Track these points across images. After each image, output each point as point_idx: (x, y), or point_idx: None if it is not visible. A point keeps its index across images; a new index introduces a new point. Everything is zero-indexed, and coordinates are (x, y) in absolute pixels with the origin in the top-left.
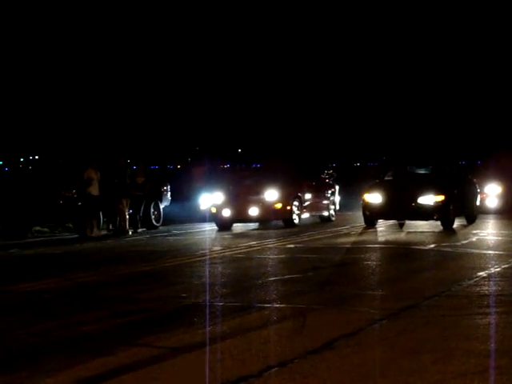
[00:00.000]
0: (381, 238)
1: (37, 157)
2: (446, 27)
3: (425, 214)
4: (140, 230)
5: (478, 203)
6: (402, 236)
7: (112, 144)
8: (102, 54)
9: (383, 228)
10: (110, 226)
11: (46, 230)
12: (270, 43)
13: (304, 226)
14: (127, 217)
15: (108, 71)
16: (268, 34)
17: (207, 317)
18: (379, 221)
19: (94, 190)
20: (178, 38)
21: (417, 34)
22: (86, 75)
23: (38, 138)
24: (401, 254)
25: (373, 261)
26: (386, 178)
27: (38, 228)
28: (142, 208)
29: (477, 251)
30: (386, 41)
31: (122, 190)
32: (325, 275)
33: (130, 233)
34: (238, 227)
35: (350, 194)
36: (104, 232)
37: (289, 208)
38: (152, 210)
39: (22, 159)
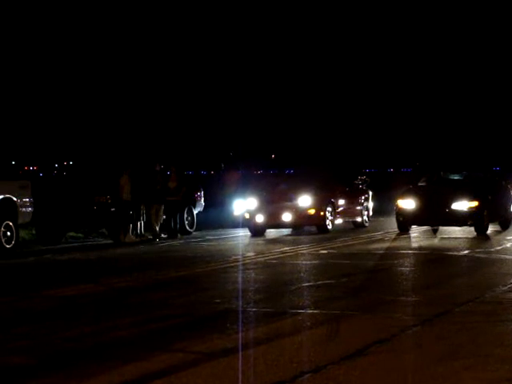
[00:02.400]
0: (414, 244)
1: (71, 162)
2: (472, 30)
3: (458, 219)
4: (179, 236)
5: None
6: (435, 242)
7: (145, 149)
8: (138, 62)
9: (417, 234)
10: (136, 232)
11: (80, 235)
12: (304, 51)
13: (337, 232)
14: (159, 222)
15: (143, 79)
16: (299, 42)
17: (240, 322)
18: (413, 227)
19: (128, 196)
20: (213, 45)
21: (449, 41)
22: (121, 82)
23: (72, 144)
24: (434, 259)
25: (406, 267)
26: (419, 184)
27: (72, 233)
28: (179, 213)
29: (511, 257)
30: (419, 48)
31: (153, 196)
32: (358, 281)
33: (163, 236)
34: (271, 233)
35: (384, 199)
36: (138, 238)
37: (322, 214)
38: (186, 216)
39: (56, 165)
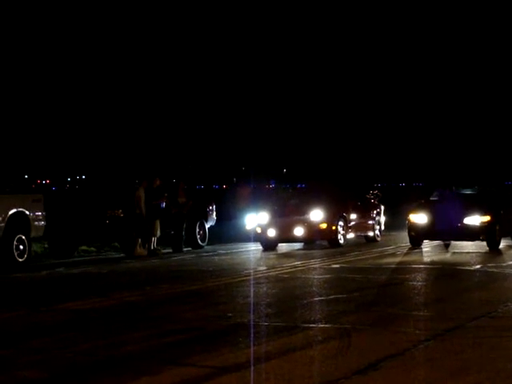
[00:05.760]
0: (426, 259)
1: (83, 176)
2: (484, 41)
3: (471, 234)
4: (185, 250)
5: None
6: (447, 256)
7: (157, 164)
8: (150, 73)
9: (429, 248)
10: (146, 246)
11: (92, 249)
12: (318, 67)
13: (349, 246)
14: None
15: (157, 94)
16: (312, 55)
17: (252, 336)
18: (425, 241)
19: (143, 210)
20: (227, 58)
21: (464, 54)
22: (135, 98)
23: (85, 158)
24: (446, 274)
25: (418, 281)
26: (431, 199)
27: (84, 247)
28: (185, 227)
29: None
30: (433, 63)
31: (153, 211)
32: (370, 295)
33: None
34: (282, 247)
35: (396, 214)
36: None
37: (334, 228)
38: (197, 230)
39: (68, 179)
